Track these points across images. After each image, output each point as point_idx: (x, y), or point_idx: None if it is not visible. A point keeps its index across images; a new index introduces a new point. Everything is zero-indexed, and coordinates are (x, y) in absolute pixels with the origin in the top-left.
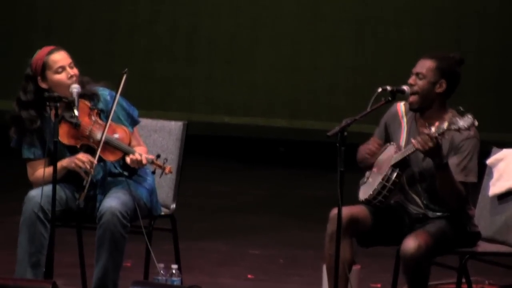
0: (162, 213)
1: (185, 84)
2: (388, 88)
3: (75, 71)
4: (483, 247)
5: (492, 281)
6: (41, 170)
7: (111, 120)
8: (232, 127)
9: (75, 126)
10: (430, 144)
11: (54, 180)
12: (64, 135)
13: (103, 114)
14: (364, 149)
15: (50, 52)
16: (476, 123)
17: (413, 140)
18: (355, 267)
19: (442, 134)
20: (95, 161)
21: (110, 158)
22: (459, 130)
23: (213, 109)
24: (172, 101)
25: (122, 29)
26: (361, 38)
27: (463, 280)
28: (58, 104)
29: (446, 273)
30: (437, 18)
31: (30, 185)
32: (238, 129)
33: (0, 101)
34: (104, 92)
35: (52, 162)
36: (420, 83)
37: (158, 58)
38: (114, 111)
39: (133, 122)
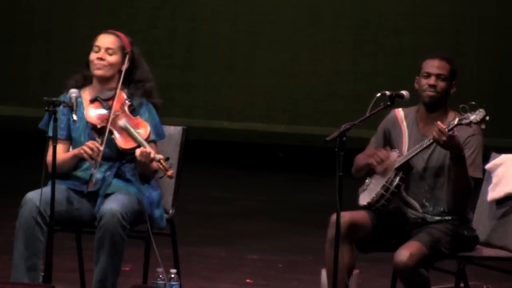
0: None
1: (184, 89)
2: (387, 93)
3: (111, 58)
4: (482, 251)
5: (490, 286)
6: (58, 155)
7: (139, 117)
8: (231, 133)
9: (104, 108)
10: (444, 138)
11: (53, 183)
12: (91, 113)
13: (134, 112)
14: (366, 158)
15: (102, 32)
16: (488, 117)
17: (433, 132)
18: (354, 272)
19: (451, 129)
20: (102, 148)
21: (123, 145)
22: (470, 123)
23: (213, 114)
24: (172, 107)
25: None
26: (360, 43)
27: (462, 285)
28: (81, 90)
29: (444, 277)
30: (436, 23)
31: (29, 191)
32: (237, 134)
33: (0, 106)
34: (142, 97)
35: (52, 165)
36: (442, 84)
37: (157, 64)
38: (145, 116)
39: (158, 135)
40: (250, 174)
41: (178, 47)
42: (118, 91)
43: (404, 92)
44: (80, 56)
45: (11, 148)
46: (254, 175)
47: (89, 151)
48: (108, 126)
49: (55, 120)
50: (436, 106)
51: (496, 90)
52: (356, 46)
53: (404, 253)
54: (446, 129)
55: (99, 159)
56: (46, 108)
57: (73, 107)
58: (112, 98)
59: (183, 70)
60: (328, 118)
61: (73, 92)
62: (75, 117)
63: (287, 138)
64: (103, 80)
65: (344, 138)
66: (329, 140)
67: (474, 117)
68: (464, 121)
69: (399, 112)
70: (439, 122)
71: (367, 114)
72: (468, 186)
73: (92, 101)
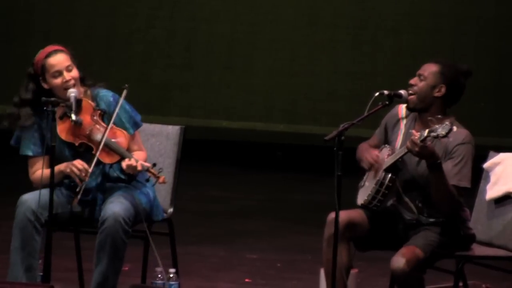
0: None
1: (183, 89)
2: (385, 92)
3: (73, 74)
4: (480, 251)
5: (489, 285)
6: (40, 171)
7: (113, 123)
8: (230, 132)
9: (76, 124)
10: (416, 148)
11: (52, 184)
12: (64, 131)
13: (106, 115)
14: (365, 151)
15: (48, 55)
16: (455, 129)
17: (407, 142)
18: (353, 271)
19: (423, 140)
20: (90, 170)
21: (107, 160)
22: (437, 137)
23: (211, 113)
24: (170, 106)
25: (120, 34)
26: (359, 43)
27: (460, 284)
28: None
29: (443, 276)
30: (434, 23)
31: (27, 190)
32: (236, 133)
33: None
34: (107, 94)
35: (51, 166)
36: (420, 84)
37: (156, 63)
38: (117, 113)
39: (135, 125)
40: (249, 174)
41: (177, 46)
42: (83, 102)
43: (402, 92)
44: (79, 55)
45: (9, 147)
46: (253, 174)
47: (77, 172)
48: (97, 155)
49: (53, 119)
50: (413, 106)
51: (495, 90)
52: (355, 46)
53: (401, 260)
54: (418, 140)
55: (87, 179)
56: (45, 108)
57: (72, 106)
58: (80, 111)
59: (182, 69)
60: (327, 118)
61: (72, 91)
62: (74, 117)
63: (286, 137)
64: None
65: (343, 138)
66: (327, 139)
67: (440, 130)
68: (432, 134)
69: (402, 109)
70: (414, 131)
71: (365, 114)
72: (448, 195)
73: (61, 117)
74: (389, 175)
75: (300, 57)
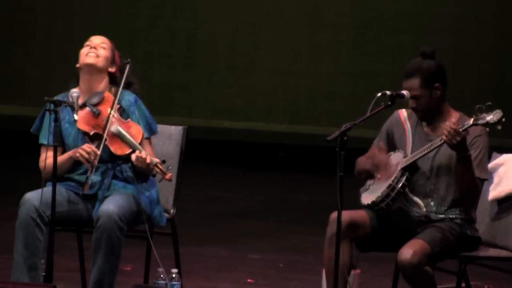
0: None
1: (185, 89)
2: (388, 92)
3: (103, 52)
4: (483, 251)
5: (491, 286)
6: (50, 159)
7: (131, 119)
8: (232, 132)
9: (95, 114)
10: (458, 138)
11: (54, 183)
12: (82, 121)
13: (124, 113)
14: (366, 162)
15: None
16: (504, 119)
17: (444, 132)
18: (355, 272)
19: (466, 130)
20: (99, 152)
21: (118, 151)
22: (487, 124)
23: (213, 114)
24: (172, 106)
25: (122, 35)
26: (360, 43)
27: (463, 285)
28: (70, 99)
29: (446, 277)
30: (435, 23)
31: (29, 189)
32: (238, 134)
33: (0, 106)
34: (130, 96)
35: (53, 164)
36: (420, 101)
37: (158, 64)
38: (135, 115)
39: (150, 131)
40: (250, 174)
41: (178, 46)
42: (105, 94)
43: (404, 92)
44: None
45: (11, 147)
46: (254, 174)
47: (86, 155)
48: (105, 136)
49: (56, 120)
50: (429, 118)
51: (496, 90)
52: (356, 46)
53: (408, 251)
54: (461, 129)
55: (95, 162)
56: (47, 107)
57: (74, 106)
58: (100, 102)
59: (183, 69)
60: (328, 118)
61: (74, 91)
62: (76, 116)
63: (287, 137)
64: (93, 74)
65: (345, 138)
66: (330, 139)
67: (490, 117)
68: (480, 122)
69: (403, 112)
70: (453, 121)
71: (368, 114)
72: (475, 187)
73: (81, 107)
74: (406, 174)
75: (301, 57)
